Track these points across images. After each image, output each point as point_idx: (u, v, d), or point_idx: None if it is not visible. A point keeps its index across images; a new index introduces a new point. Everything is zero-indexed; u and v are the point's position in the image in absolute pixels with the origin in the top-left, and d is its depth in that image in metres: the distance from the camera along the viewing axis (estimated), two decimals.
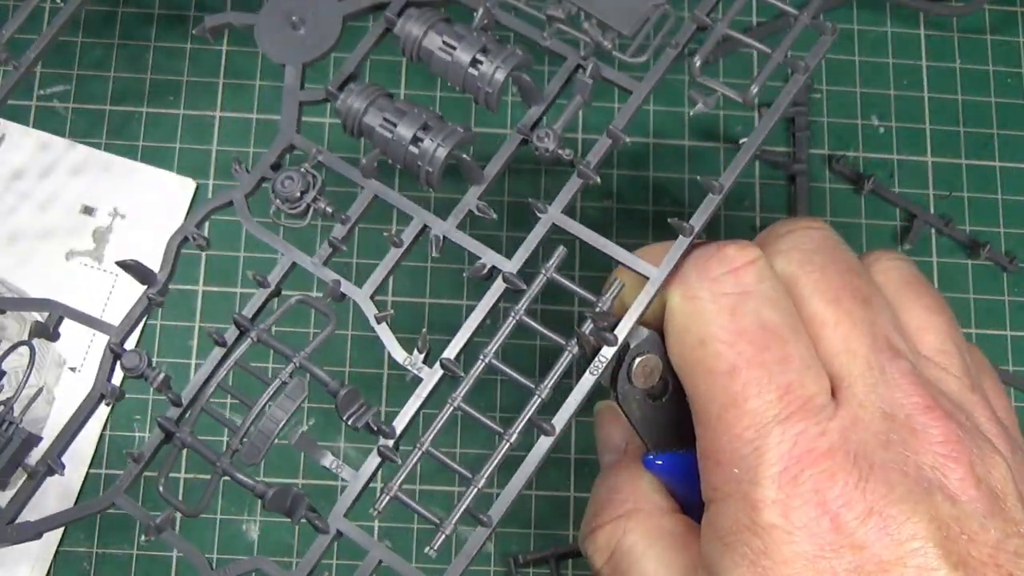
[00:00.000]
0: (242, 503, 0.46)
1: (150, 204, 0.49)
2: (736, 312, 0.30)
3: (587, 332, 0.30)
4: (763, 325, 0.30)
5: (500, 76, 0.32)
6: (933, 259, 0.50)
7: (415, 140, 0.31)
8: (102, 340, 0.47)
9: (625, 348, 0.31)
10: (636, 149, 0.50)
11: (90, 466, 0.46)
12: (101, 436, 0.47)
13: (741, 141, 0.50)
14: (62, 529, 0.46)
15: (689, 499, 0.33)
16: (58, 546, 0.46)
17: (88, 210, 0.49)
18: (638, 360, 0.32)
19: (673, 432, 0.33)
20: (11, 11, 0.50)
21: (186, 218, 0.33)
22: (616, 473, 0.35)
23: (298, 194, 0.32)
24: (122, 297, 0.48)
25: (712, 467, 0.30)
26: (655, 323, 0.32)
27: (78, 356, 0.47)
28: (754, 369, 0.29)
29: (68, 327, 0.47)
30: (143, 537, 0.31)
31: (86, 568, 0.46)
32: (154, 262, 0.48)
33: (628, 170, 0.50)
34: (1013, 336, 0.50)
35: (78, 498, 0.46)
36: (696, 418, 0.31)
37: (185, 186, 0.49)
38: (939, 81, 0.52)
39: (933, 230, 0.51)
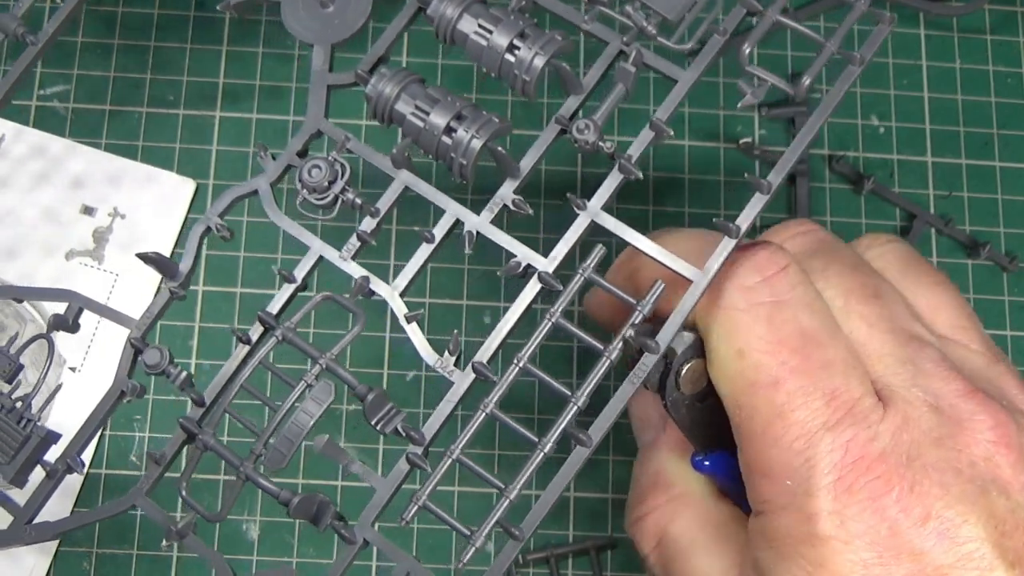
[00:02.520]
0: (242, 503, 0.46)
1: (150, 204, 0.49)
2: (773, 321, 0.29)
3: (631, 337, 0.28)
4: (802, 332, 0.29)
5: (539, 63, 0.30)
6: (933, 259, 0.50)
7: (448, 130, 0.30)
8: (103, 341, 0.47)
9: (672, 355, 0.31)
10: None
11: (90, 466, 0.46)
12: (101, 436, 0.47)
13: (741, 141, 0.50)
14: None
15: (735, 494, 0.33)
16: (58, 546, 0.46)
17: (88, 210, 0.49)
18: (686, 368, 0.31)
19: (720, 432, 0.32)
20: (11, 10, 0.50)
21: (210, 206, 0.32)
22: (660, 455, 0.35)
23: (326, 184, 0.30)
24: (122, 297, 0.48)
25: (760, 479, 0.29)
26: (688, 326, 0.32)
27: (78, 356, 0.47)
28: (797, 378, 0.29)
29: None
30: (163, 542, 0.30)
31: (86, 568, 0.46)
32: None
33: None
34: (1013, 336, 0.50)
35: (77, 498, 0.46)
36: (739, 431, 0.30)
37: (185, 186, 0.49)
38: (939, 81, 0.52)
39: (933, 230, 0.51)
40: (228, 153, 0.50)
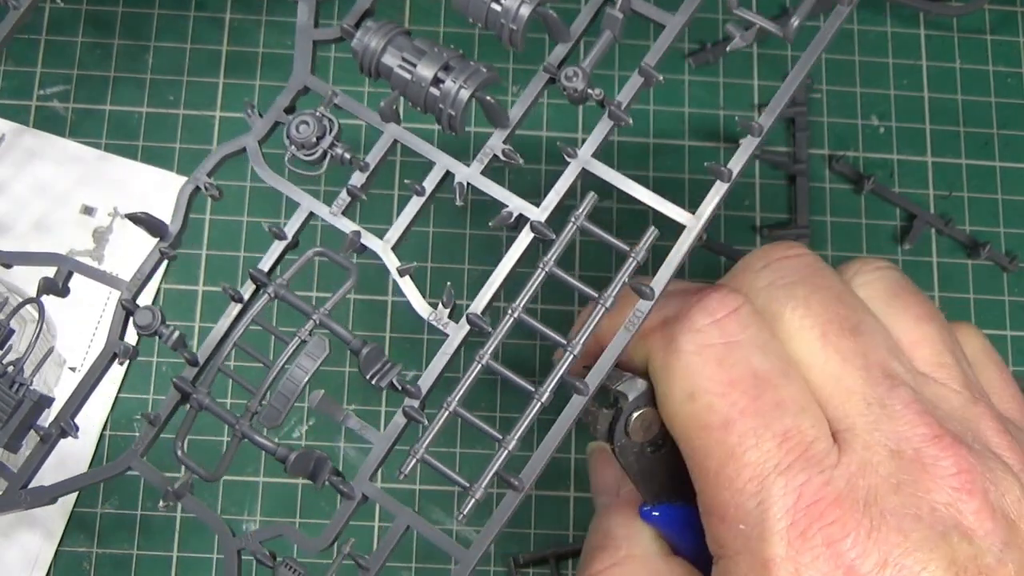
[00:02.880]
0: (242, 502, 0.46)
1: (150, 204, 0.49)
2: (724, 362, 0.29)
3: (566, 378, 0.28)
4: (754, 373, 0.29)
5: (525, 11, 0.29)
6: (933, 259, 0.50)
7: (436, 81, 0.29)
8: (102, 340, 0.47)
9: (623, 401, 0.30)
10: (636, 149, 0.50)
11: (90, 465, 0.46)
12: (101, 436, 0.47)
13: (742, 141, 0.50)
14: (63, 528, 0.46)
15: (687, 550, 0.33)
16: (58, 546, 0.46)
17: (88, 210, 0.49)
18: (635, 414, 0.31)
19: (671, 483, 0.32)
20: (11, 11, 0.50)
21: (199, 165, 0.32)
22: (610, 516, 0.34)
23: (314, 139, 0.30)
24: None
25: (717, 523, 0.29)
26: (640, 370, 0.31)
27: (78, 356, 0.47)
28: (749, 418, 0.28)
29: (68, 327, 0.47)
30: (160, 503, 0.30)
31: (86, 568, 0.46)
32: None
33: (628, 170, 0.49)
34: (1013, 336, 0.50)
35: (78, 498, 0.46)
36: (694, 474, 0.30)
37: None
38: (939, 81, 0.52)
39: (933, 230, 0.51)
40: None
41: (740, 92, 0.52)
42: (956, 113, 0.52)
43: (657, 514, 0.33)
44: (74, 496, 0.46)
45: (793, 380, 0.29)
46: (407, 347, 0.48)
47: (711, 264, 0.50)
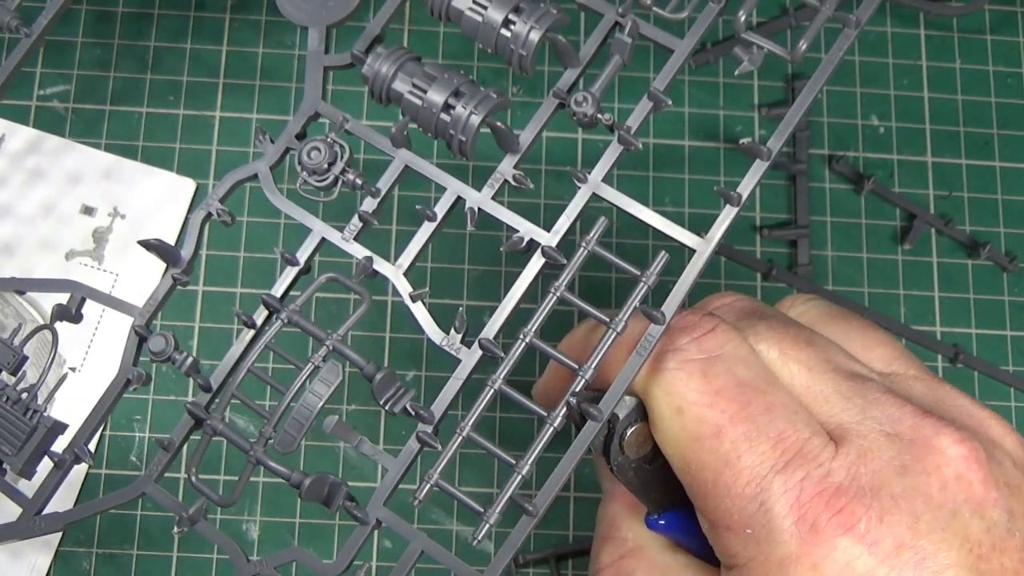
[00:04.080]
0: (242, 503, 0.46)
1: (150, 204, 0.49)
2: (708, 374, 0.29)
3: (575, 403, 0.28)
4: (738, 382, 0.29)
5: (535, 37, 0.30)
6: (933, 259, 0.50)
7: (447, 107, 0.30)
8: (102, 341, 0.47)
9: (615, 420, 0.30)
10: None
11: (90, 465, 0.46)
12: (101, 436, 0.47)
13: (742, 141, 0.50)
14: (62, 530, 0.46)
15: (696, 550, 0.33)
16: (58, 546, 0.46)
17: (88, 210, 0.49)
18: (630, 431, 0.31)
19: (672, 492, 0.32)
20: (5, 2, 0.50)
21: (210, 192, 0.32)
22: (613, 504, 0.35)
23: (325, 165, 0.30)
24: (122, 296, 0.48)
25: (723, 533, 0.29)
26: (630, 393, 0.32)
27: (78, 357, 0.47)
28: (739, 424, 0.28)
29: (68, 328, 0.47)
30: (174, 529, 0.30)
31: (86, 568, 0.46)
32: (153, 262, 0.48)
33: (628, 170, 0.50)
34: (1013, 336, 0.50)
35: (78, 499, 0.46)
36: (693, 490, 0.30)
37: (185, 186, 0.49)
38: (939, 81, 0.52)
39: (933, 230, 0.51)
40: (228, 153, 0.50)
41: (740, 92, 0.52)
42: (956, 113, 0.52)
43: (663, 523, 0.33)
44: (74, 496, 0.46)
45: (779, 387, 0.30)
46: (407, 347, 0.48)
47: (711, 263, 0.50)
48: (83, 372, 0.47)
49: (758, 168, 0.30)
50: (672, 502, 0.33)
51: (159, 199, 0.49)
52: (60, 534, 0.46)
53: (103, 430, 0.47)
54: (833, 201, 0.51)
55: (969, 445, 0.28)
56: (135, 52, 0.51)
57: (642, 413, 0.31)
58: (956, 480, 0.28)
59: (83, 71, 0.51)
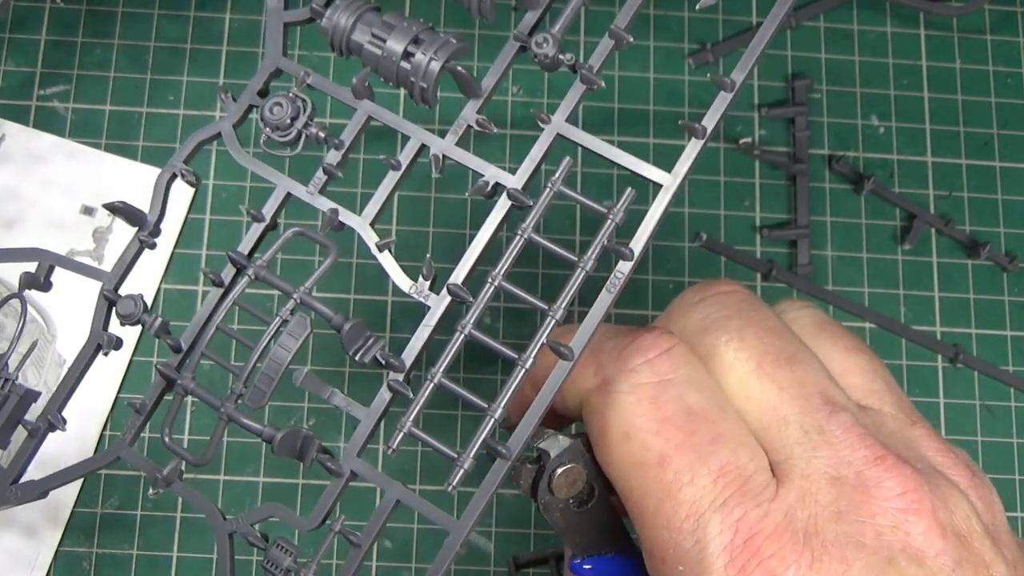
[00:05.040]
0: (241, 502, 0.46)
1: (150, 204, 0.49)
2: (657, 401, 0.29)
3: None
4: (688, 409, 0.29)
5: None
6: (933, 259, 0.50)
7: (406, 55, 0.29)
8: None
9: (545, 458, 0.30)
10: (636, 149, 0.50)
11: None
12: (101, 436, 0.47)
13: (741, 141, 0.50)
14: (62, 530, 0.46)
15: None
16: (58, 546, 0.46)
17: (88, 210, 0.49)
18: (560, 471, 0.30)
19: (600, 535, 0.32)
20: (11, 11, 0.50)
21: (174, 154, 0.32)
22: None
23: (288, 120, 0.30)
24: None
25: (658, 566, 0.28)
26: (575, 414, 0.31)
27: (74, 351, 0.47)
28: (684, 455, 0.28)
29: (68, 328, 0.47)
30: (150, 491, 0.30)
31: (86, 568, 0.46)
32: (154, 262, 0.48)
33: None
34: (1013, 336, 0.50)
35: (78, 499, 0.46)
36: (633, 516, 0.29)
37: (184, 186, 0.49)
38: (939, 81, 0.52)
39: (933, 230, 0.51)
40: (228, 153, 0.50)
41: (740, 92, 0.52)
42: (956, 113, 0.52)
43: (588, 567, 0.33)
44: (74, 496, 0.46)
45: (729, 415, 0.29)
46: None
47: (711, 264, 0.50)
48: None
49: (722, 101, 0.30)
50: (600, 548, 0.32)
51: None
52: (61, 532, 0.46)
53: (103, 430, 0.47)
54: (833, 201, 0.51)
55: (915, 496, 0.27)
56: (135, 52, 0.51)
57: (575, 455, 0.30)
58: (892, 529, 0.27)
59: (83, 71, 0.51)
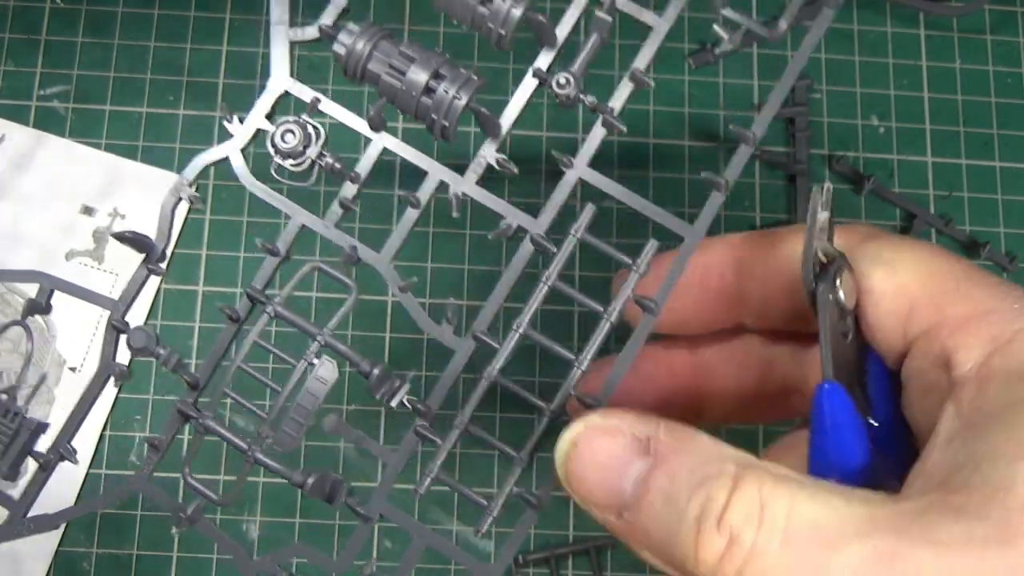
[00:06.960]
0: (241, 503, 0.46)
1: (150, 204, 0.49)
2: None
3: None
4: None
5: (517, 13, 0.28)
6: None
7: (427, 90, 0.29)
8: (102, 340, 0.47)
9: (840, 260, 0.29)
10: (636, 149, 0.50)
11: (90, 466, 0.46)
12: (101, 436, 0.47)
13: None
14: (62, 530, 0.46)
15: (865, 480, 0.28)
16: (58, 546, 0.46)
17: (88, 210, 0.49)
18: (846, 273, 0.29)
19: (853, 371, 0.30)
20: (11, 11, 0.50)
21: (177, 178, 0.31)
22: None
23: (301, 148, 0.29)
24: None
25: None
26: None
27: (78, 356, 0.47)
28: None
29: (67, 328, 0.47)
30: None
31: (86, 568, 0.46)
32: None
33: (628, 170, 0.50)
34: None
35: (78, 499, 0.46)
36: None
37: None
38: (939, 81, 0.52)
39: (933, 230, 0.51)
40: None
41: (740, 92, 0.52)
42: (956, 113, 0.52)
43: (826, 388, 0.29)
44: (74, 496, 0.46)
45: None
46: (407, 346, 0.48)
47: None
48: (83, 372, 0.47)
49: (744, 153, 0.30)
50: (848, 384, 0.29)
51: (159, 199, 0.49)
52: (60, 534, 0.46)
53: (103, 430, 0.47)
54: (833, 201, 0.51)
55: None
56: (135, 52, 0.51)
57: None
58: None
59: (83, 71, 0.51)
